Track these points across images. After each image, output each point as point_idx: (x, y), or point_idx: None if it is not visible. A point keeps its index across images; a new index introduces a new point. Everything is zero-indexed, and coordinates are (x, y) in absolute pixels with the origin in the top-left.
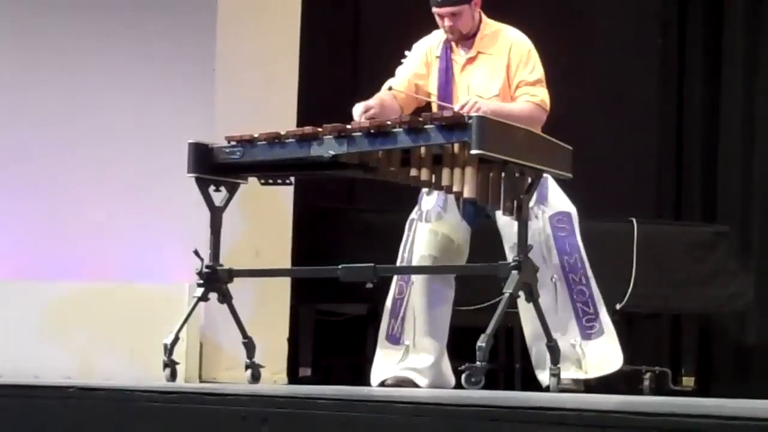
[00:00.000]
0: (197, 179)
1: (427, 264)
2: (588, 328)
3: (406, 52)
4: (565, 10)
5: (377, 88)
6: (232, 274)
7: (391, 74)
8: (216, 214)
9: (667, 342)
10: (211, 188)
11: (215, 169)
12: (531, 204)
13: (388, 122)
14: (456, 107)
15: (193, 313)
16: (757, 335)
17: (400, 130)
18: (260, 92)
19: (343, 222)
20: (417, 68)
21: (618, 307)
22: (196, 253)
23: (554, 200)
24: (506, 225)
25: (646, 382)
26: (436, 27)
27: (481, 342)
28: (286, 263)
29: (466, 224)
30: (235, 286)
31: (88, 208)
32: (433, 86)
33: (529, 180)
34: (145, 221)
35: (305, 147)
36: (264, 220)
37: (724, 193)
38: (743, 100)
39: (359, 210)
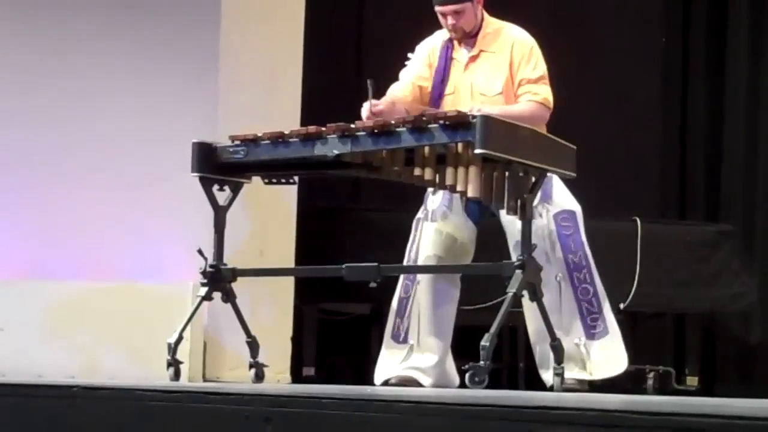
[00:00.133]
0: (201, 178)
1: (432, 264)
2: (592, 327)
3: (410, 54)
4: (569, 9)
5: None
6: (235, 273)
7: (395, 74)
8: (220, 214)
9: (671, 341)
10: (215, 187)
11: (219, 168)
12: (535, 202)
13: (392, 121)
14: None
15: (196, 313)
16: (761, 335)
17: (404, 129)
18: (264, 92)
19: (347, 221)
20: (420, 71)
21: (622, 306)
22: (200, 252)
23: (559, 198)
24: (510, 222)
25: (650, 382)
26: (439, 27)
27: (485, 341)
28: (289, 263)
29: (472, 224)
30: (239, 286)
31: (92, 208)
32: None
33: (533, 179)
34: (149, 221)
35: (309, 146)
36: (268, 219)
37: (727, 193)
38: (747, 100)
39: (363, 209)
